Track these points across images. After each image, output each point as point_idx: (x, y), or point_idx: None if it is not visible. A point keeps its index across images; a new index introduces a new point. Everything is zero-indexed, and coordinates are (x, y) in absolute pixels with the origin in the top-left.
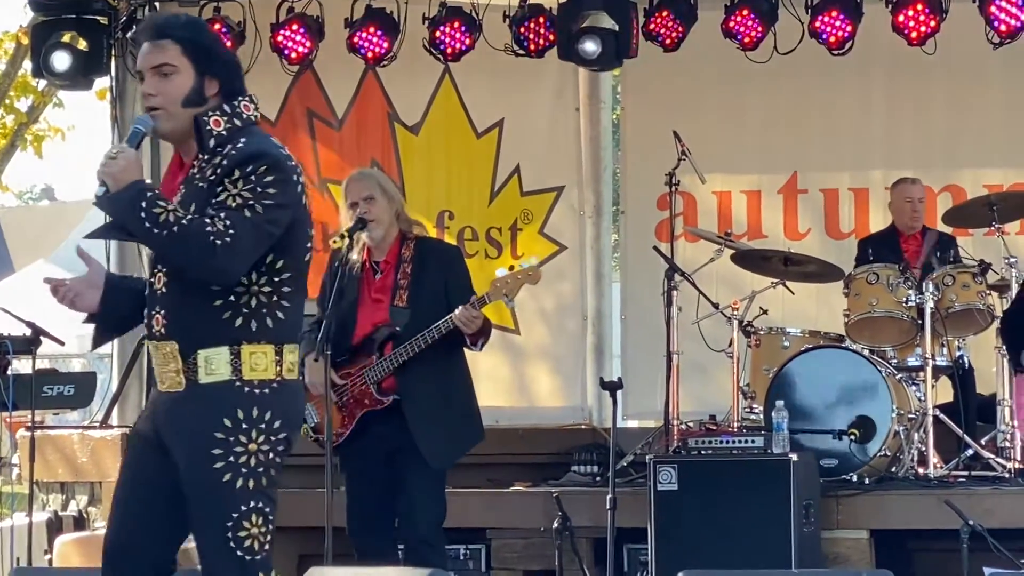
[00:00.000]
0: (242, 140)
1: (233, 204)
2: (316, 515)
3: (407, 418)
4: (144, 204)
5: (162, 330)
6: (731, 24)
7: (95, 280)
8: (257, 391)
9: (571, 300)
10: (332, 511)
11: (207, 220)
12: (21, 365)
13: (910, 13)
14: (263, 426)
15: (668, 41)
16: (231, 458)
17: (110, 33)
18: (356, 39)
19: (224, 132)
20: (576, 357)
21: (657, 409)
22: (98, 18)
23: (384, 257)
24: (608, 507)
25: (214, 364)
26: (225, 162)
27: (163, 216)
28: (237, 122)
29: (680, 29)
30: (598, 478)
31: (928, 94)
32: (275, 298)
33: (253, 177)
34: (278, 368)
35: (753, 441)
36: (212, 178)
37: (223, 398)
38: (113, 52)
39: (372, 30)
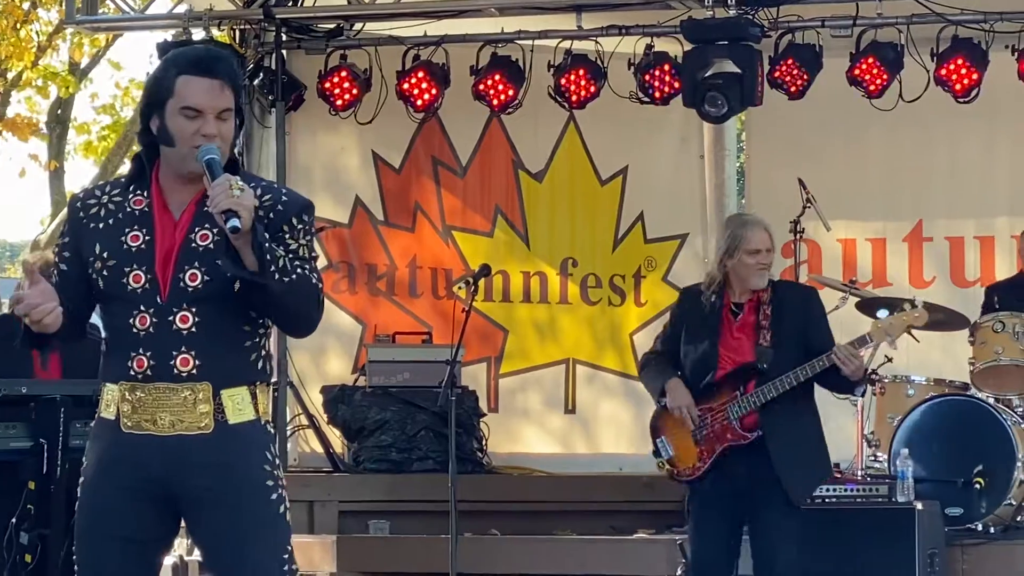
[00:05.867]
0: (266, 184)
1: (306, 255)
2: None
3: (771, 454)
4: (269, 245)
5: (193, 371)
6: (856, 72)
7: (51, 294)
8: (272, 430)
9: None
10: (457, 558)
11: (304, 272)
12: None
13: None
14: (280, 464)
15: (793, 89)
16: (279, 491)
17: None
18: (482, 86)
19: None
20: None
21: None
22: None
23: (747, 299)
24: None
25: (240, 404)
26: (280, 208)
27: (282, 261)
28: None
29: (805, 77)
30: None
31: None
32: (270, 341)
33: (309, 227)
34: (271, 410)
35: (877, 490)
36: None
37: (256, 436)
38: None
39: (497, 78)
